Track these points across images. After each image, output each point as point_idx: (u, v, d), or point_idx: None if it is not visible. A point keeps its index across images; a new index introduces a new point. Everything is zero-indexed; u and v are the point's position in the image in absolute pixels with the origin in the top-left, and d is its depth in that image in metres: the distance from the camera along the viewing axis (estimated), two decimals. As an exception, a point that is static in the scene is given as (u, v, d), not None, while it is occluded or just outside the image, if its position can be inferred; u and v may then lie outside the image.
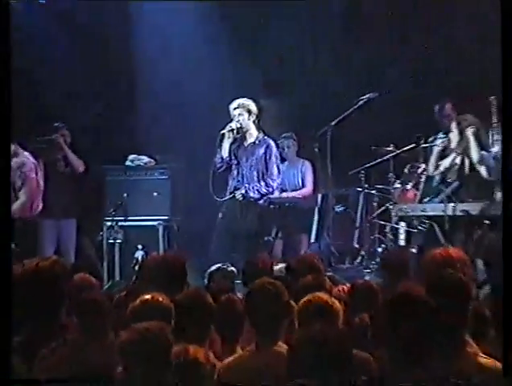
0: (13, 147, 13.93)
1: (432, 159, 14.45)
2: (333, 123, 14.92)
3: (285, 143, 15.66)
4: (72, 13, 16.94)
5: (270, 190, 14.43)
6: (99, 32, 17.06)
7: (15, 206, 14.07)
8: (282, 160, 15.30)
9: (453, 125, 14.38)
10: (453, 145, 14.37)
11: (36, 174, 14.49)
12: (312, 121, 15.70)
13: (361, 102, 14.98)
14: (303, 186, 15.61)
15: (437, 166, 14.51)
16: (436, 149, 14.48)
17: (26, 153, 14.43)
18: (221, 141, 14.38)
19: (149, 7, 17.08)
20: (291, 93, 16.87)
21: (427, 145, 14.69)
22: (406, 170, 14.86)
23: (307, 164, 15.65)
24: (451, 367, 6.16)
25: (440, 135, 14.55)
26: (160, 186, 15.68)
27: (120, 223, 15.35)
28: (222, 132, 14.35)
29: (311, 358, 5.19)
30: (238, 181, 14.42)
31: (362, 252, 15.16)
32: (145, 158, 15.96)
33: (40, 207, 14.69)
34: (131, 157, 15.89)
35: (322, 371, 5.14)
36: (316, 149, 15.43)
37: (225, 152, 14.39)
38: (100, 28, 17.06)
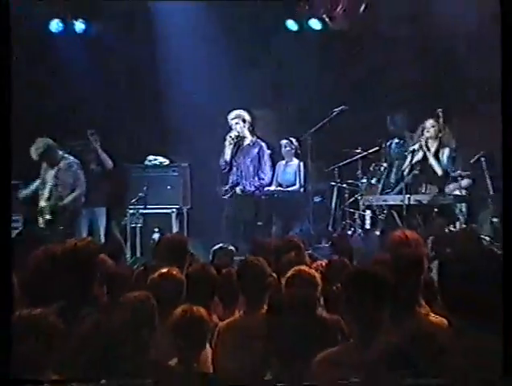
0: (60, 153, 14.58)
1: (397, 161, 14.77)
2: (312, 130, 15.20)
3: (284, 145, 15.58)
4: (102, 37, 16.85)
5: (263, 183, 14.94)
6: (126, 50, 16.77)
7: (70, 197, 14.52)
8: (282, 159, 15.53)
9: (417, 132, 14.35)
10: (415, 147, 14.26)
11: (81, 170, 14.70)
12: (306, 127, 15.50)
13: (334, 113, 15.18)
14: (297, 182, 15.48)
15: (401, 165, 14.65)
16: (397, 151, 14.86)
17: (70, 157, 14.65)
18: (224, 147, 14.83)
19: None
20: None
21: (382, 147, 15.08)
22: (371, 168, 15.13)
23: (302, 164, 15.49)
24: (410, 324, 6.19)
25: (396, 140, 14.99)
26: (173, 181, 15.86)
27: (140, 211, 15.54)
28: (225, 141, 14.82)
29: (284, 316, 5.36)
30: (237, 176, 14.92)
31: (335, 235, 14.78)
32: (160, 158, 16.14)
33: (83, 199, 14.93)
34: (150, 157, 16.10)
35: (293, 327, 5.25)
36: (299, 151, 15.50)
37: (227, 156, 14.84)
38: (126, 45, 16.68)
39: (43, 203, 14.48)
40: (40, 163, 14.59)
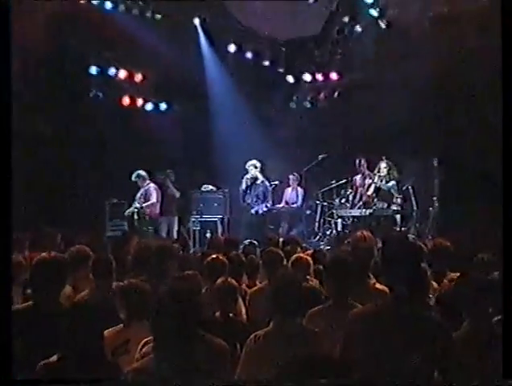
0: (147, 180, 14.77)
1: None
2: (305, 169, 15.39)
3: (291, 178, 15.68)
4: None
5: (265, 208, 14.95)
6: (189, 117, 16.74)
7: (145, 205, 14.56)
8: (287, 187, 15.67)
9: (375, 170, 14.27)
10: (374, 179, 14.26)
11: (156, 191, 14.81)
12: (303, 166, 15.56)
13: (320, 158, 15.27)
14: (298, 201, 15.59)
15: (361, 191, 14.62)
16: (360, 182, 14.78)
17: (151, 183, 14.81)
18: (243, 182, 14.97)
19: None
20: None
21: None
22: (342, 192, 14.98)
23: (302, 190, 15.59)
24: (364, 290, 6.06)
25: (359, 175, 14.75)
26: (218, 201, 15.56)
27: (199, 219, 15.40)
28: (243, 179, 14.95)
29: (280, 288, 5.11)
30: (252, 201, 14.97)
31: (319, 234, 15.25)
32: (210, 186, 15.84)
33: (158, 212, 14.95)
34: (204, 186, 15.83)
35: (284, 296, 4.98)
36: (299, 181, 15.61)
37: (244, 187, 15.00)
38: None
39: (133, 210, 14.62)
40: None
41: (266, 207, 15.03)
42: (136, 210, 14.66)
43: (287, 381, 2.95)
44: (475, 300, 4.81)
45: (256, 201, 15.02)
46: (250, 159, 15.02)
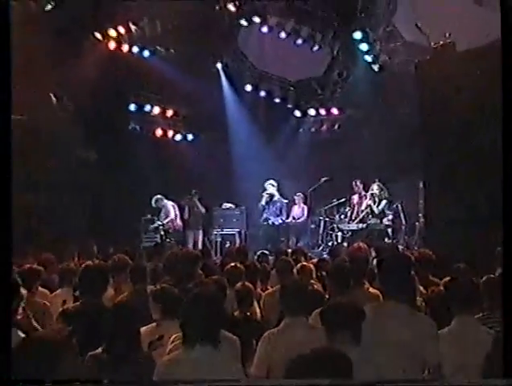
0: (164, 201, 14.82)
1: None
2: (310, 190, 15.22)
3: (295, 197, 15.43)
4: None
5: (281, 221, 14.82)
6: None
7: (164, 221, 14.68)
8: (294, 204, 15.43)
9: (369, 191, 14.22)
10: (367, 201, 14.23)
11: (173, 208, 14.87)
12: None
13: (322, 180, 15.11)
14: (304, 217, 15.35)
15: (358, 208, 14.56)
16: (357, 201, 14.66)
17: (169, 202, 14.85)
18: (263, 199, 14.80)
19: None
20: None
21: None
22: (341, 209, 14.99)
23: (306, 207, 15.38)
24: (360, 293, 6.01)
25: (356, 195, 14.64)
26: (237, 216, 15.53)
27: (219, 232, 15.39)
28: (263, 197, 14.79)
29: (289, 292, 5.08)
30: (269, 215, 14.83)
31: (322, 245, 15.09)
32: (229, 204, 15.75)
33: (179, 225, 15.02)
34: (225, 204, 15.74)
35: (293, 298, 4.96)
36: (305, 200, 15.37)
37: (263, 203, 14.82)
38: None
39: (156, 226, 14.81)
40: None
41: (282, 219, 14.91)
42: (159, 226, 14.77)
43: (296, 374, 2.88)
44: (463, 300, 4.77)
45: (273, 215, 14.88)
46: (268, 179, 14.92)
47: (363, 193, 14.59)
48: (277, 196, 14.94)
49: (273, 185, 14.93)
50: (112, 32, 14.00)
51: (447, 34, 11.70)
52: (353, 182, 14.73)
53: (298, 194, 15.41)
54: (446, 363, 4.32)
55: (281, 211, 14.96)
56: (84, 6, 12.24)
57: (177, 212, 15.01)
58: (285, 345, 4.50)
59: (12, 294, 4.62)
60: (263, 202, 14.94)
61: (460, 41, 11.56)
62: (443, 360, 4.32)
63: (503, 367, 3.34)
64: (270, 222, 14.89)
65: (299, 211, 15.44)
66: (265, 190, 14.95)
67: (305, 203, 15.45)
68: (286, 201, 15.13)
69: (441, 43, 11.90)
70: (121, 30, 13.99)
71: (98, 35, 13.92)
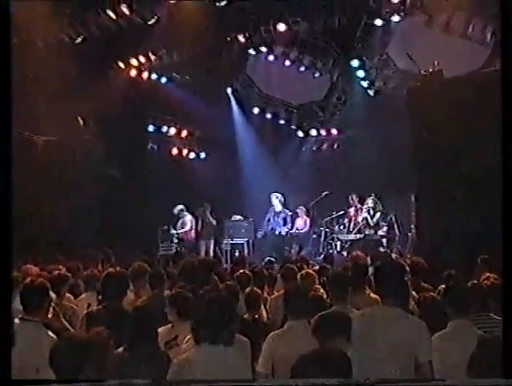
0: (185, 212, 14.82)
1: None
2: (312, 203, 15.18)
3: (298, 210, 15.20)
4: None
5: (286, 230, 14.73)
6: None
7: (180, 231, 14.68)
8: (297, 216, 15.23)
9: (364, 204, 14.13)
10: (363, 214, 14.15)
11: (190, 221, 14.86)
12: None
13: (323, 195, 15.05)
14: (306, 228, 15.15)
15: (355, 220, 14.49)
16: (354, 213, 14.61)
17: (188, 214, 14.84)
18: (270, 211, 14.79)
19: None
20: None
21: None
22: (340, 221, 14.80)
23: (308, 219, 15.21)
24: (360, 297, 5.90)
25: (353, 208, 14.56)
26: (245, 227, 15.30)
27: (229, 242, 15.17)
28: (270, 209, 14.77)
29: (292, 295, 5.05)
30: (274, 225, 14.81)
31: (323, 254, 14.39)
32: (238, 217, 15.59)
33: (194, 236, 14.98)
34: (234, 216, 15.59)
35: (296, 299, 4.94)
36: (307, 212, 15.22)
37: (271, 215, 14.81)
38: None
39: (176, 235, 14.73)
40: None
41: (286, 230, 14.82)
42: (175, 235, 14.74)
43: (298, 374, 2.85)
44: (458, 304, 4.70)
45: (278, 226, 14.82)
46: (275, 192, 14.87)
47: (359, 206, 14.50)
48: (282, 208, 14.86)
49: (277, 197, 14.86)
50: (133, 61, 14.10)
51: (435, 63, 11.80)
52: (349, 197, 14.65)
53: (300, 207, 15.31)
54: (443, 362, 4.28)
55: (285, 223, 14.87)
56: (109, 39, 12.33)
57: (193, 225, 14.95)
58: (287, 345, 4.47)
59: (11, 295, 4.40)
60: (271, 214, 14.86)
61: (447, 69, 11.71)
62: (442, 360, 4.28)
63: (503, 367, 3.17)
64: (275, 232, 14.81)
65: (301, 222, 15.33)
66: (270, 202, 14.89)
67: (307, 216, 15.34)
68: (290, 213, 15.02)
69: (430, 70, 11.99)
70: (142, 59, 14.08)
71: (121, 64, 14.06)
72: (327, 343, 3.93)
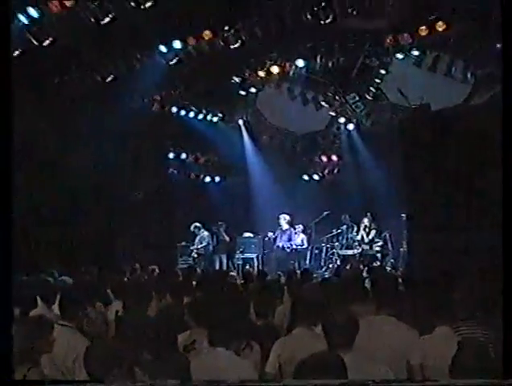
0: (202, 230, 14.70)
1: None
2: (314, 222, 15.17)
3: (298, 228, 15.02)
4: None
5: (292, 246, 14.66)
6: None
7: (199, 246, 14.57)
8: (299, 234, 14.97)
9: (360, 223, 14.15)
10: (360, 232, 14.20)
11: (208, 237, 14.71)
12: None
13: (324, 214, 14.95)
14: (304, 245, 14.94)
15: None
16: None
17: (205, 232, 14.75)
18: (277, 229, 14.77)
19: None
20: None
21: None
22: (339, 238, 14.81)
23: (306, 236, 15.02)
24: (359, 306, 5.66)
25: (350, 227, 14.54)
26: (254, 243, 15.27)
27: (241, 257, 15.17)
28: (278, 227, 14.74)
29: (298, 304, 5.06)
30: (281, 242, 14.73)
31: (324, 267, 14.85)
32: (249, 234, 15.55)
33: (209, 251, 14.78)
34: (245, 233, 15.58)
35: (301, 308, 4.89)
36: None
37: (277, 232, 14.78)
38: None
39: (194, 250, 14.68)
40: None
41: (291, 246, 14.72)
42: (192, 250, 14.70)
43: (304, 374, 2.83)
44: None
45: (284, 242, 14.71)
46: (283, 213, 14.82)
47: (356, 224, 14.44)
48: (288, 227, 14.79)
49: (285, 218, 14.80)
50: (157, 97, 14.27)
51: (423, 98, 12.00)
52: (347, 216, 14.61)
53: (299, 225, 15.11)
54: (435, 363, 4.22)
55: (290, 239, 14.79)
56: (136, 78, 12.52)
57: (209, 241, 14.88)
58: (294, 349, 4.45)
59: (12, 297, 4.20)
60: (278, 232, 14.81)
61: (433, 103, 11.95)
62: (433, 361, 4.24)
63: (503, 367, 2.99)
64: (281, 248, 14.75)
65: (302, 239, 15.24)
66: (279, 221, 14.86)
67: (305, 232, 15.13)
68: (294, 231, 14.93)
69: (418, 104, 12.25)
70: (163, 94, 14.33)
71: (145, 100, 14.27)
72: (334, 347, 3.87)
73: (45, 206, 11.64)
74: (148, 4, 8.62)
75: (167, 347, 4.27)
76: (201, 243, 14.81)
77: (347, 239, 14.52)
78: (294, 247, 14.77)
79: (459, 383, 3.02)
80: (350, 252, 14.22)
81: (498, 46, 9.33)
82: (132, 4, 8.71)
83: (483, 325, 4.52)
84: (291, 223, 14.90)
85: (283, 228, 14.82)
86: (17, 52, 9.08)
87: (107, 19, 8.90)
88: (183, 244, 15.25)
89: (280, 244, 14.75)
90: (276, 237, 14.85)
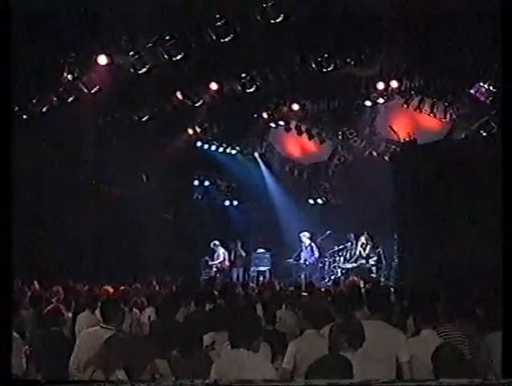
0: (219, 247, 14.61)
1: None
2: (319, 239, 15.01)
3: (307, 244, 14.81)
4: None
5: (314, 260, 14.53)
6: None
7: (217, 261, 14.51)
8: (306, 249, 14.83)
9: (358, 240, 14.06)
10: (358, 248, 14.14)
11: (223, 253, 14.78)
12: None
13: (327, 233, 14.84)
14: (313, 258, 14.71)
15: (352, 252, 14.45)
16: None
17: (221, 249, 14.72)
18: (302, 245, 14.66)
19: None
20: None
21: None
22: (341, 253, 14.57)
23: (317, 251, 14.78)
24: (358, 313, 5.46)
25: (349, 243, 14.41)
26: (268, 258, 15.14)
27: (255, 270, 15.09)
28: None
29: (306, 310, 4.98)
30: (304, 256, 14.63)
31: (327, 278, 14.58)
32: (262, 250, 15.31)
33: (227, 264, 14.78)
34: (258, 249, 15.37)
35: (309, 314, 4.81)
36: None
37: (302, 248, 14.65)
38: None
39: (214, 264, 14.57)
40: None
41: (313, 259, 14.61)
42: (213, 265, 14.62)
43: (314, 375, 2.78)
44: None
45: (309, 255, 14.57)
46: (304, 231, 14.68)
47: (354, 242, 14.33)
48: (309, 243, 14.61)
49: (306, 236, 14.63)
50: (190, 131, 14.40)
51: (411, 133, 12.25)
52: (347, 235, 14.53)
53: (308, 242, 14.93)
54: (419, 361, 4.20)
55: (313, 254, 14.64)
56: (167, 119, 12.66)
57: (226, 256, 14.81)
58: (305, 349, 4.40)
59: (12, 298, 3.95)
60: (302, 247, 14.56)
61: (419, 138, 12.22)
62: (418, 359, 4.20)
63: (503, 366, 2.81)
64: (307, 262, 14.59)
65: (309, 254, 14.97)
66: (301, 239, 14.70)
67: (313, 249, 14.88)
68: (314, 245, 14.78)
69: (407, 139, 12.46)
70: (190, 131, 14.44)
71: (174, 136, 14.42)
72: (340, 348, 3.77)
73: (88, 226, 11.85)
74: (179, 56, 8.91)
75: (192, 347, 4.31)
76: (218, 258, 14.79)
77: (350, 254, 14.35)
78: (313, 260, 14.57)
79: (461, 382, 2.86)
80: (349, 265, 14.12)
81: (472, 91, 10.05)
82: (165, 56, 8.93)
83: (461, 329, 4.52)
84: (312, 239, 14.73)
85: (306, 244, 14.64)
86: (71, 98, 9.53)
87: (144, 70, 9.18)
88: (206, 258, 15.23)
89: (303, 258, 14.58)
90: (301, 251, 14.65)
